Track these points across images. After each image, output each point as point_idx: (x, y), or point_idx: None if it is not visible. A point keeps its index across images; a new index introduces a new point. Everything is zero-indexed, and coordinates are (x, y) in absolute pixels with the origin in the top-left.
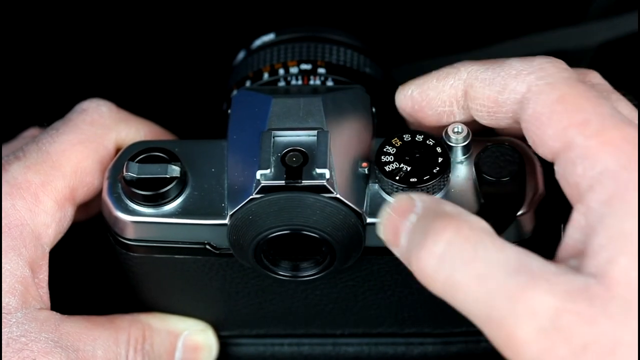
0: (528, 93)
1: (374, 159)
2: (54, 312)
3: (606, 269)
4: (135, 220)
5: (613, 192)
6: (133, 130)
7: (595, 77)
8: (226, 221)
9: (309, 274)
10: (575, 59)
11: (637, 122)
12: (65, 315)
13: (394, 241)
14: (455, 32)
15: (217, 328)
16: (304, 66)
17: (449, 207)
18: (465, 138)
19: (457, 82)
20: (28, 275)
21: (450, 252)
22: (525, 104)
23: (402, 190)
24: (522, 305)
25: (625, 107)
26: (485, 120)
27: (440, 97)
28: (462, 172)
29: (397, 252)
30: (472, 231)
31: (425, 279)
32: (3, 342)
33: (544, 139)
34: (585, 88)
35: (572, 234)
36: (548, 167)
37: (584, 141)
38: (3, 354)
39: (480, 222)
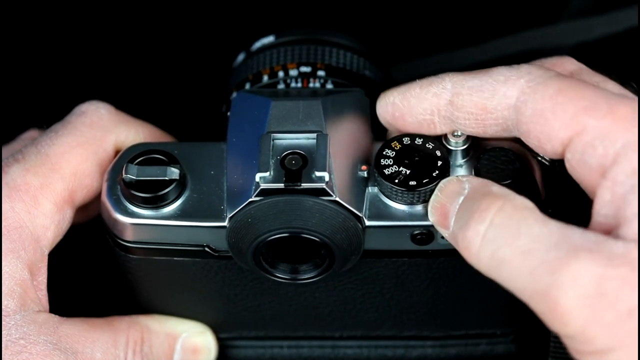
0: (522, 96)
1: (374, 162)
2: (53, 315)
3: None
4: (134, 222)
5: (638, 162)
6: (132, 132)
7: (572, 62)
8: (225, 224)
9: (307, 276)
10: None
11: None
12: (64, 318)
13: (443, 224)
14: (448, 32)
15: (216, 330)
16: (304, 69)
17: (496, 187)
18: (464, 142)
19: (441, 90)
20: (27, 277)
21: (494, 230)
22: (521, 107)
23: (401, 193)
24: (565, 275)
25: (614, 86)
26: (471, 128)
27: (422, 105)
28: None
29: (446, 234)
30: (515, 210)
31: (471, 257)
32: (2, 344)
33: (552, 133)
34: (577, 80)
35: (600, 211)
36: (545, 171)
37: (598, 122)
38: (2, 357)
39: (524, 201)
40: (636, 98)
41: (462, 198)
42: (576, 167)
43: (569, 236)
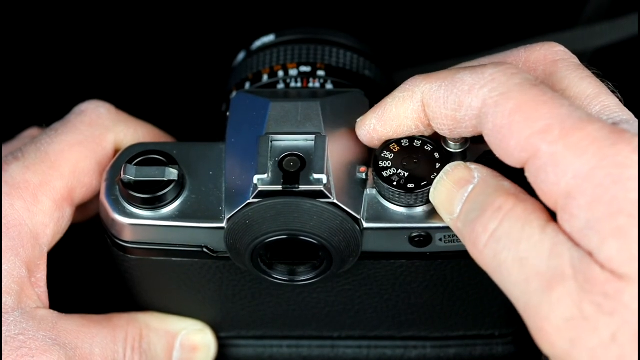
0: (484, 107)
1: (372, 164)
2: (52, 311)
3: (611, 268)
4: (133, 223)
5: (592, 194)
6: (131, 131)
7: (556, 52)
8: (223, 225)
9: (305, 278)
10: None
11: (602, 98)
12: (63, 314)
13: (447, 209)
14: (455, 37)
15: (216, 329)
16: (304, 68)
17: (507, 183)
18: (463, 145)
19: (417, 104)
20: (24, 275)
21: (502, 230)
22: (483, 118)
23: (399, 195)
24: (552, 293)
25: (589, 84)
26: (448, 135)
27: (404, 123)
28: None
29: (448, 219)
30: (525, 212)
31: (475, 252)
32: (2, 340)
33: (509, 150)
34: (538, 92)
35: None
36: None
37: (549, 148)
38: (2, 352)
39: (534, 204)
40: (596, 120)
41: (471, 187)
42: (533, 187)
43: (560, 246)
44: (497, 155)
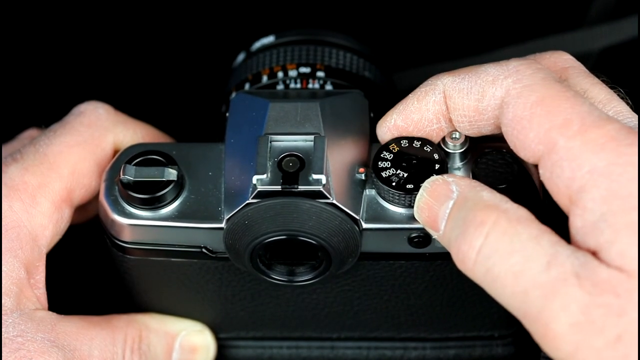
0: (507, 97)
1: (371, 165)
2: (51, 313)
3: (622, 263)
4: (132, 223)
5: (607, 189)
6: (130, 132)
7: (566, 60)
8: (222, 225)
9: (304, 278)
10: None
11: (614, 103)
12: (62, 315)
13: (432, 226)
14: (458, 38)
15: (215, 330)
16: (303, 69)
17: (486, 194)
18: (462, 145)
19: (438, 96)
20: (23, 276)
21: (489, 246)
22: (504, 108)
23: (398, 196)
24: (555, 302)
25: (601, 90)
26: (467, 130)
27: (425, 117)
28: None
29: (435, 235)
30: (510, 224)
31: (466, 270)
32: (1, 342)
33: (526, 142)
34: (562, 88)
35: (576, 236)
36: None
37: (567, 142)
38: (1, 354)
39: (518, 211)
40: (614, 120)
41: (451, 202)
42: (547, 183)
43: (559, 256)
44: (513, 147)
